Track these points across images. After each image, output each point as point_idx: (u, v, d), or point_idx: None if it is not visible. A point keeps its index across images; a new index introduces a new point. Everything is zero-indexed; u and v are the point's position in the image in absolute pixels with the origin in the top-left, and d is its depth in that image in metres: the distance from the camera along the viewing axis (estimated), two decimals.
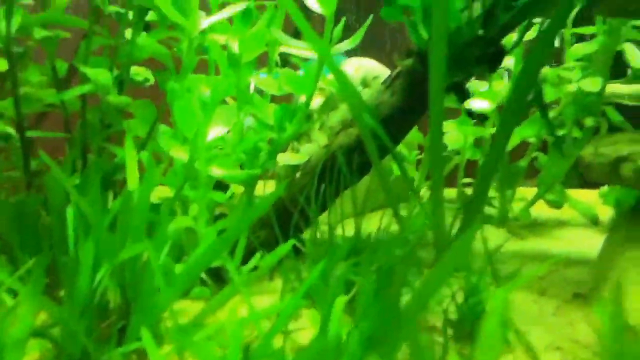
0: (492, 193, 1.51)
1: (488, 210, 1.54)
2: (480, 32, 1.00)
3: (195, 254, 0.74)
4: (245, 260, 0.92)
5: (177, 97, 0.77)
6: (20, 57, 1.08)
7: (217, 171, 0.80)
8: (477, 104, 1.18)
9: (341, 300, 0.55)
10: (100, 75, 0.91)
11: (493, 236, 1.39)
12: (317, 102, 1.41)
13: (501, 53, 1.01)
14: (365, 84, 1.48)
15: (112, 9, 1.12)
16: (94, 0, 1.02)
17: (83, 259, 0.62)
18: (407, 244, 0.96)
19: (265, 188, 1.36)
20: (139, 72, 1.24)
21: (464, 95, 1.04)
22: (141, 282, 0.63)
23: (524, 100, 0.95)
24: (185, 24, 0.84)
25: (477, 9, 1.01)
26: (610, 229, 0.96)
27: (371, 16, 1.08)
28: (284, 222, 0.98)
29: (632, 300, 0.75)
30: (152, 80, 1.21)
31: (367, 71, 1.48)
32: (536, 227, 1.49)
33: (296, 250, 0.91)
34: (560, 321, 0.82)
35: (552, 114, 1.44)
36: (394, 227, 1.06)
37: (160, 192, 0.88)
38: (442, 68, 0.90)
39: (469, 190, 1.56)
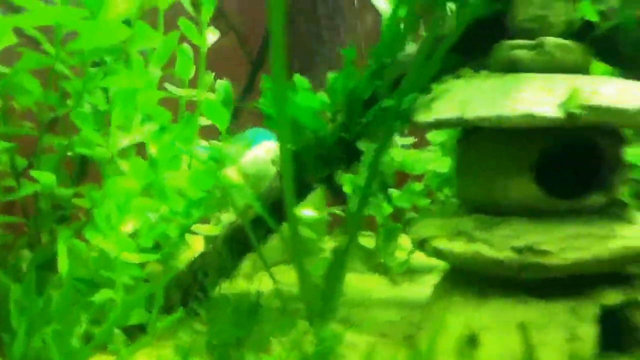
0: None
1: (377, 259, 1.75)
2: (343, 135, 1.23)
3: (109, 318, 0.92)
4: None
5: (97, 204, 0.95)
6: None
7: (129, 256, 0.97)
8: (307, 212, 1.39)
9: None
10: (44, 177, 1.08)
11: (374, 283, 1.59)
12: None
13: (357, 154, 1.23)
14: (274, 163, 1.68)
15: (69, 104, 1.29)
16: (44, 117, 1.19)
17: (19, 332, 0.78)
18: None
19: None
20: None
21: (332, 186, 1.26)
22: (60, 344, 0.80)
23: (370, 186, 1.17)
24: (104, 144, 1.03)
25: (340, 119, 1.24)
26: (441, 278, 1.16)
27: None
28: (188, 288, 1.16)
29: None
30: None
31: (276, 153, 1.69)
32: (413, 273, 1.69)
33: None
34: None
35: (421, 185, 1.68)
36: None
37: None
38: (290, 169, 1.09)
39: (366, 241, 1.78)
